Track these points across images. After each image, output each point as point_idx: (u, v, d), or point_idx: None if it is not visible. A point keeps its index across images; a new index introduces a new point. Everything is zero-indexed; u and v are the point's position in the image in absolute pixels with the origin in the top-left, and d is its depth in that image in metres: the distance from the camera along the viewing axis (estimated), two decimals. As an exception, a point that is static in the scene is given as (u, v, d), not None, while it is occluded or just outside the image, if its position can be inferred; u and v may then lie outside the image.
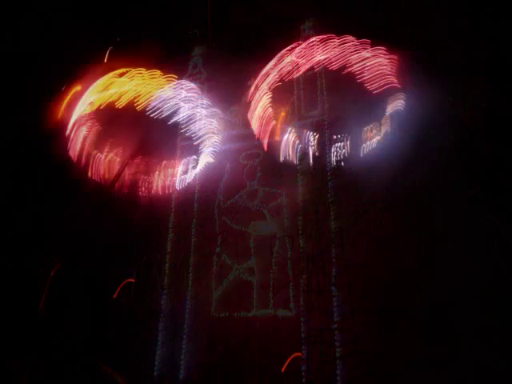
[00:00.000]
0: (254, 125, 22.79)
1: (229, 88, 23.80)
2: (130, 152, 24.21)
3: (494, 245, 18.96)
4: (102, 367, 20.75)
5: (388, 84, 21.12)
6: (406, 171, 21.33)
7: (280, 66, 22.09)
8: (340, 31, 21.47)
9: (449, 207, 19.66)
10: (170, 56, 23.96)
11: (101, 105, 22.79)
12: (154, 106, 22.68)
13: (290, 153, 22.93)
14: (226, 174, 24.54)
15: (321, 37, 21.64)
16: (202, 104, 23.42)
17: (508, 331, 17.68)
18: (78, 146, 23.27)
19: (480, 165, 19.43)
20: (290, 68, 21.96)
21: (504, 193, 19.31)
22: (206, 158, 23.65)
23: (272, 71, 22.24)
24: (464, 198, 19.40)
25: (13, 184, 24.11)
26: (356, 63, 21.18)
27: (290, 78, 21.97)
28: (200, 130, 23.40)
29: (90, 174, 23.58)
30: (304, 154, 22.90)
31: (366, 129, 21.80)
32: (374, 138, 21.76)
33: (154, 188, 24.05)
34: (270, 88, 22.45)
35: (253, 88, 22.47)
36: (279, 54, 22.13)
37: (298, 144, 22.96)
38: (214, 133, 23.65)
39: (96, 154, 23.77)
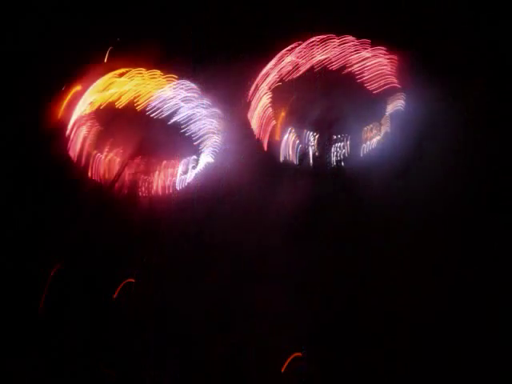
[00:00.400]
0: (254, 125, 22.83)
1: (229, 88, 23.78)
2: (130, 152, 24.18)
3: (494, 246, 18.94)
4: (102, 368, 20.76)
5: (388, 84, 21.15)
6: (405, 171, 21.37)
7: (280, 65, 22.10)
8: (340, 31, 21.51)
9: (449, 207, 19.64)
10: (170, 56, 23.93)
11: (101, 105, 22.81)
12: (154, 106, 22.70)
13: (290, 153, 22.93)
14: (226, 175, 24.51)
15: (321, 37, 21.67)
16: (202, 104, 23.42)
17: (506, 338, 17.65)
18: (78, 146, 23.27)
19: (480, 164, 19.41)
20: (290, 68, 21.97)
21: (504, 192, 19.30)
22: (205, 158, 23.64)
23: (272, 71, 22.26)
24: (463, 198, 19.38)
25: (13, 184, 24.08)
26: (356, 63, 21.21)
27: (289, 77, 22.00)
28: (200, 130, 23.39)
29: (90, 174, 23.57)
30: (304, 154, 22.90)
31: (365, 129, 21.83)
32: (374, 138, 21.77)
33: (154, 188, 24.04)
34: (269, 88, 22.46)
35: (253, 88, 22.48)
36: (279, 54, 22.15)
37: (298, 144, 22.97)
38: (213, 133, 23.64)
39: (96, 154, 23.75)
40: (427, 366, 18.43)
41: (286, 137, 23.00)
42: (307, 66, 21.70)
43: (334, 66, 21.34)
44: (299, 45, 21.80)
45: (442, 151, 20.55)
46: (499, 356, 17.32)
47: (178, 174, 23.77)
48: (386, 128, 21.48)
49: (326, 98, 22.84)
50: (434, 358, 18.42)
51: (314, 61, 21.57)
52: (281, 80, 22.20)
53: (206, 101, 23.45)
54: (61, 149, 22.84)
